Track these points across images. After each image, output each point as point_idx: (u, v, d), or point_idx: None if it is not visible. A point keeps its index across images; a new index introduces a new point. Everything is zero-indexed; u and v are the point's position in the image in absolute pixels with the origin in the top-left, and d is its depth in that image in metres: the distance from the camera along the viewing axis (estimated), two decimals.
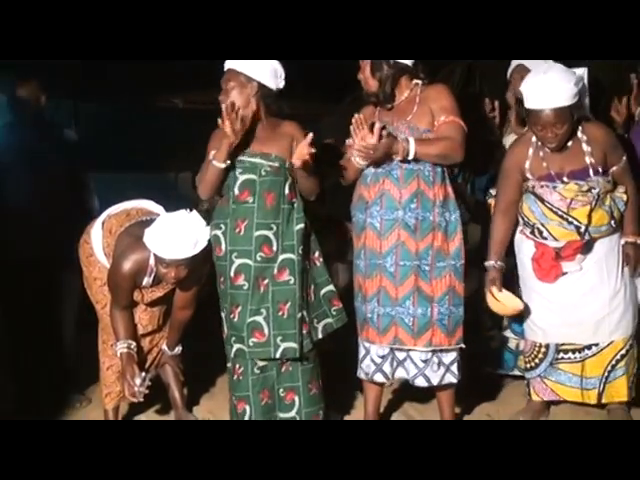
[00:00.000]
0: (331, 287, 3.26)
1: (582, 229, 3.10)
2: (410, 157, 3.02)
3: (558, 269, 3.19)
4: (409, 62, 3.11)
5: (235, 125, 2.97)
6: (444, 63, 4.61)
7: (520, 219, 3.25)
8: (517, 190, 3.23)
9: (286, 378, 3.19)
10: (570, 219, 3.10)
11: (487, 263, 3.28)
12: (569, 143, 3.10)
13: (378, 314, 3.10)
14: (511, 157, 3.25)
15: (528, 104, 3.04)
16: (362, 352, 3.23)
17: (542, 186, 3.14)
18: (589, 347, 3.28)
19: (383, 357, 3.16)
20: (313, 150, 2.96)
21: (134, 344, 3.26)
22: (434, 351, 3.11)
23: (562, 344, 3.31)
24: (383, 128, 3.03)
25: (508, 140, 3.94)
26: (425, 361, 3.11)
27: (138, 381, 3.20)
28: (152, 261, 3.14)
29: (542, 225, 3.16)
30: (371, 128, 3.00)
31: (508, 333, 3.81)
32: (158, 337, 3.46)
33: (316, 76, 3.41)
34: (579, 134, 3.11)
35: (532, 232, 3.21)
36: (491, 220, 3.34)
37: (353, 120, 3.00)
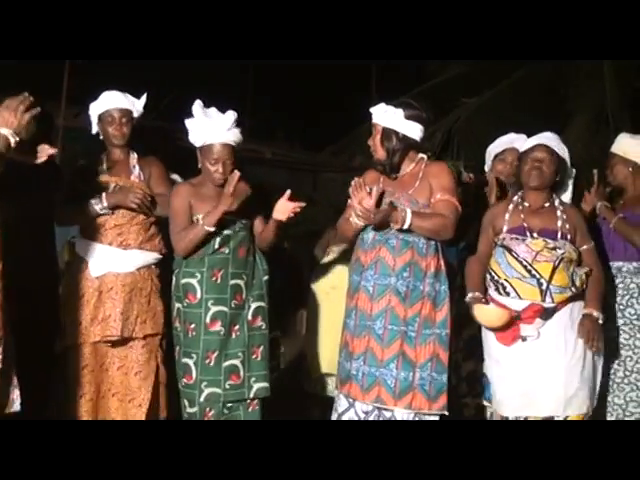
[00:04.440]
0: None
1: (544, 286, 3.23)
2: (405, 227, 3.21)
3: (516, 331, 3.28)
4: (417, 137, 3.31)
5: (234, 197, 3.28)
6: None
7: (487, 276, 3.39)
8: (490, 244, 3.44)
9: (252, 416, 3.39)
10: (533, 272, 3.24)
11: (467, 297, 3.40)
12: (546, 204, 3.40)
13: (363, 372, 3.24)
14: (490, 212, 3.53)
15: (525, 146, 3.44)
16: (343, 405, 3.34)
17: (512, 238, 3.35)
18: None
19: (367, 413, 3.29)
20: (301, 204, 3.29)
21: None
22: (416, 413, 3.25)
23: (525, 417, 3.30)
24: (382, 194, 3.25)
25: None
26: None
27: None
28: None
29: (506, 280, 3.29)
30: (371, 192, 3.22)
31: (482, 401, 3.97)
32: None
33: (299, 124, 3.69)
34: (556, 203, 3.41)
35: (497, 289, 3.33)
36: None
37: (352, 182, 3.23)
